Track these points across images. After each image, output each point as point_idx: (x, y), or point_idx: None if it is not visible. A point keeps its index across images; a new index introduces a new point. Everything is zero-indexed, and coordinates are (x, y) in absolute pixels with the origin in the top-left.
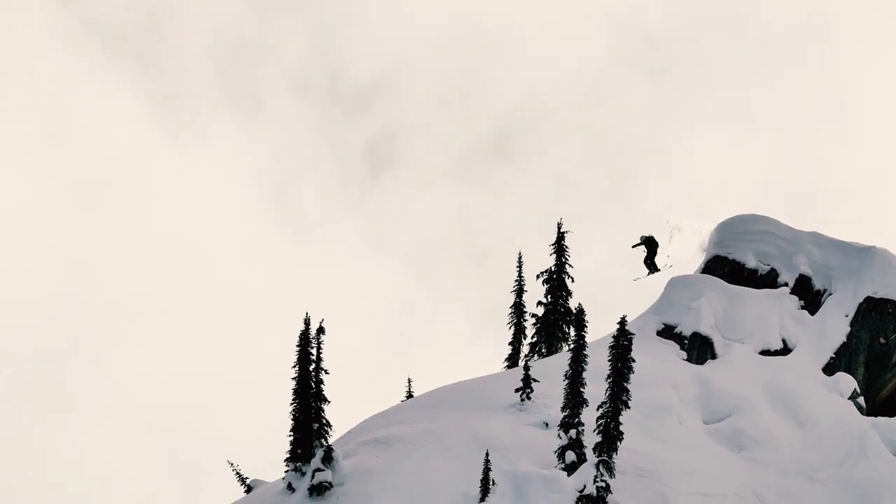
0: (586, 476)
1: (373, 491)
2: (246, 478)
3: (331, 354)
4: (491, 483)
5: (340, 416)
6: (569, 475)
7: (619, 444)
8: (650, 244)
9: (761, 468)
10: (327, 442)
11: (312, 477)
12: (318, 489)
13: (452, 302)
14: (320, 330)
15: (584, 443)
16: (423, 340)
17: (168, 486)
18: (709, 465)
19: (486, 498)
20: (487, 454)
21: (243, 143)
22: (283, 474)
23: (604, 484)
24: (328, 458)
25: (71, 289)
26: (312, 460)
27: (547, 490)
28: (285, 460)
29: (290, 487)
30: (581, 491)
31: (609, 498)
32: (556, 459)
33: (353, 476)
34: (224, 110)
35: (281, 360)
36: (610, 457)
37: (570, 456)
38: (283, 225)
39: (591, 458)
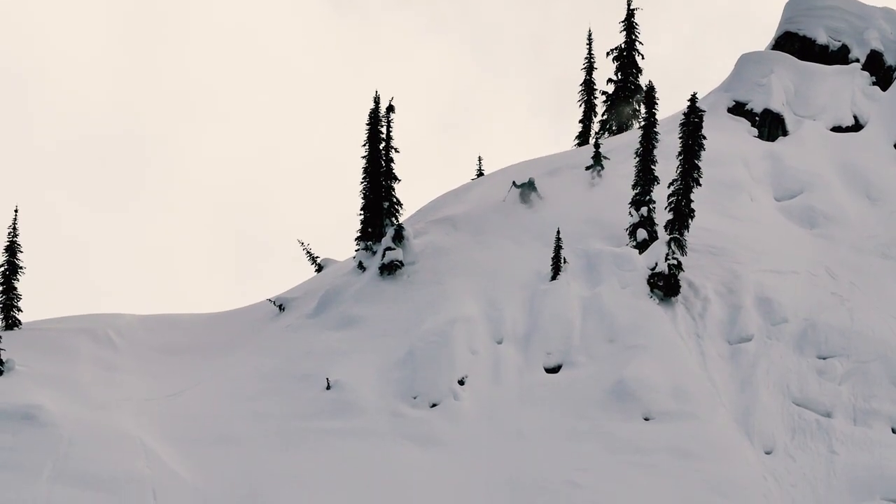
0: (658, 254)
1: (444, 269)
2: (317, 257)
3: (399, 134)
4: (562, 261)
5: (411, 194)
6: (640, 253)
7: (690, 221)
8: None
9: (833, 245)
10: (398, 221)
11: (383, 256)
12: (389, 268)
13: (518, 81)
14: (390, 108)
15: (656, 220)
16: (490, 120)
17: (239, 266)
18: (780, 242)
19: (558, 276)
20: (559, 232)
21: None
22: (354, 253)
23: (675, 261)
24: (399, 236)
25: (137, 75)
26: (383, 239)
27: (618, 268)
28: (356, 239)
29: (360, 266)
30: (652, 269)
31: (681, 275)
32: (628, 237)
33: (424, 255)
34: None
35: (347, 141)
36: (681, 234)
37: (642, 234)
38: (337, 9)
39: (663, 235)
